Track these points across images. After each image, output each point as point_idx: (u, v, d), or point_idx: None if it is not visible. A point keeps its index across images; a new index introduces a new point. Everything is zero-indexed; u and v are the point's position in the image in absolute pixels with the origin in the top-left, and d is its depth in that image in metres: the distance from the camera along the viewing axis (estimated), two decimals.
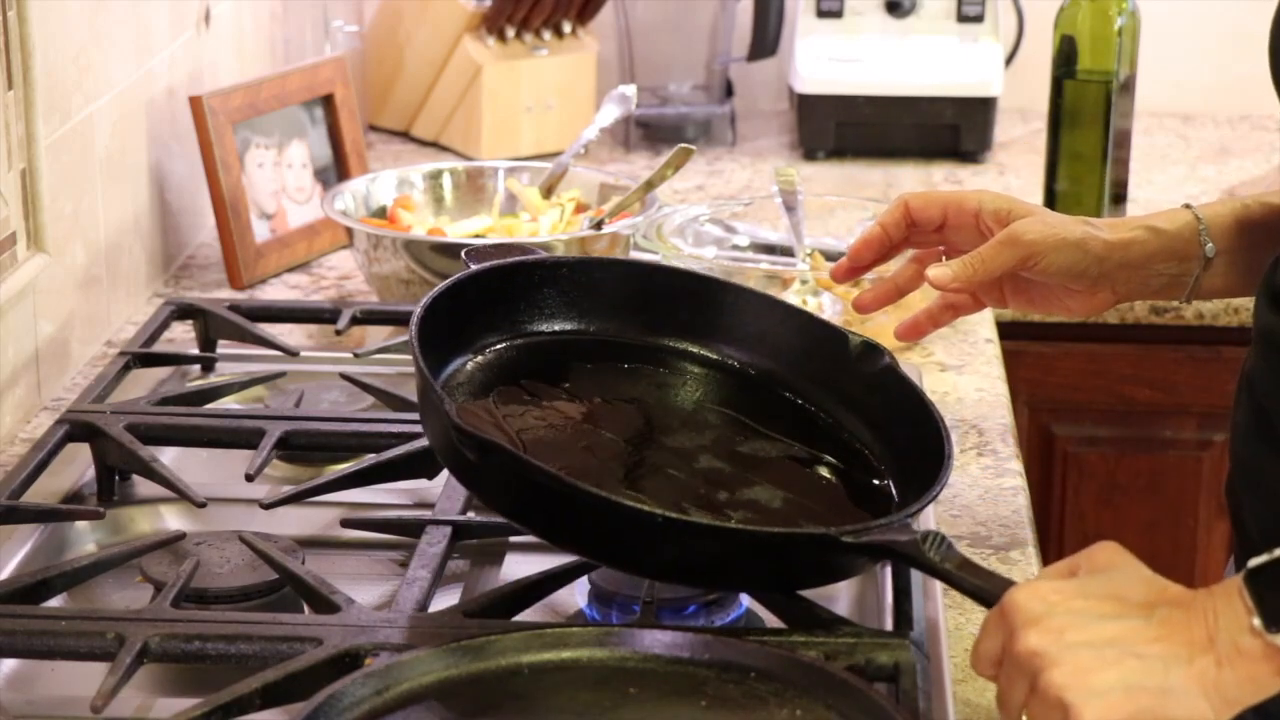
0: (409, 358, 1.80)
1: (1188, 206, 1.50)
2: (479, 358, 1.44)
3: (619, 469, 1.37)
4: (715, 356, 1.51)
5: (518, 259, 1.48)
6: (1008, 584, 1.19)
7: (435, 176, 2.15)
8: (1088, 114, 2.27)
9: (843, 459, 1.45)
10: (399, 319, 1.89)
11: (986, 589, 1.21)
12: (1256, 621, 1.09)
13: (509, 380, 1.43)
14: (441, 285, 1.40)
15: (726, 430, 1.45)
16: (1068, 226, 1.48)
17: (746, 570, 1.29)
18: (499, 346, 1.45)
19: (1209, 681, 1.10)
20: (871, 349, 1.48)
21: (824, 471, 1.43)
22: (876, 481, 1.42)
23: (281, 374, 1.78)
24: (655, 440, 1.42)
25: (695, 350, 1.51)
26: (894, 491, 1.41)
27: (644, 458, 1.40)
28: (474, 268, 1.45)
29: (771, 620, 1.34)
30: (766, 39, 2.66)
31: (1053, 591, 1.13)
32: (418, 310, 1.36)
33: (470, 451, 1.28)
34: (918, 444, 1.40)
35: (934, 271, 1.47)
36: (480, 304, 1.44)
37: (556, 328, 1.48)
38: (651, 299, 1.50)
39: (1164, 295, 1.51)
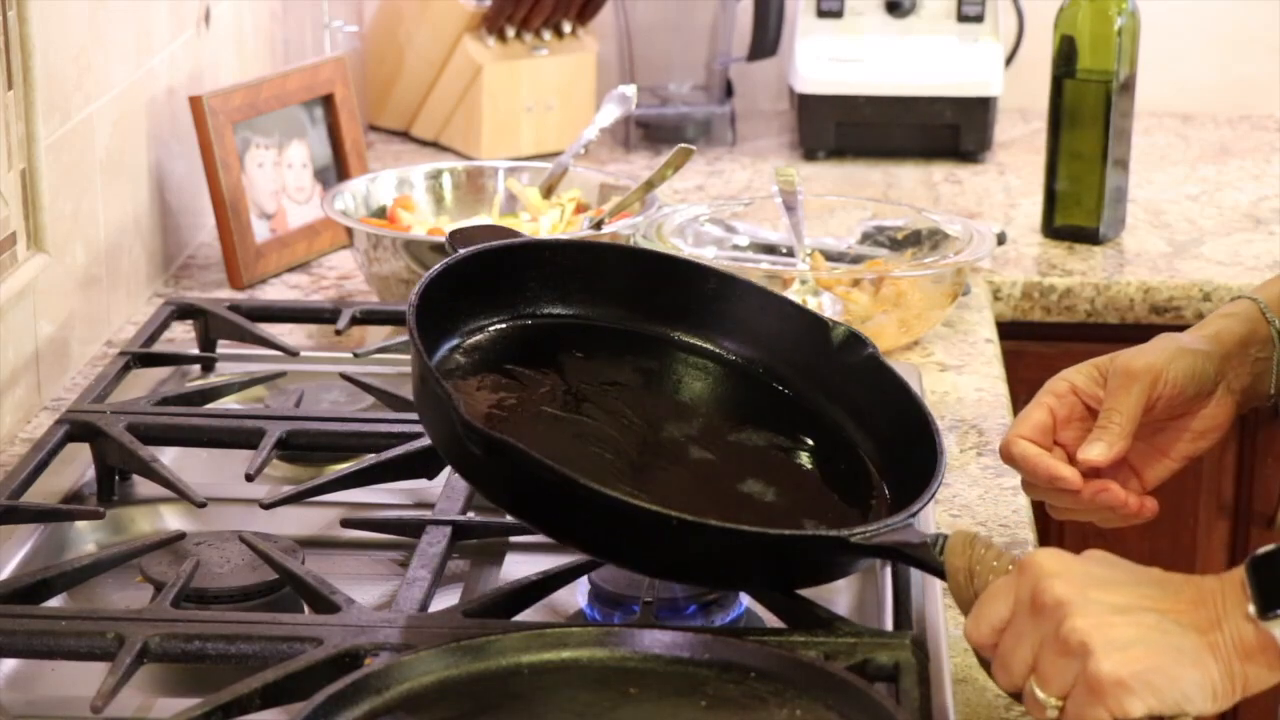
0: (409, 357, 1.80)
1: (1238, 297, 1.50)
2: (467, 341, 1.43)
3: (615, 464, 1.37)
4: (700, 344, 1.51)
5: (509, 242, 1.47)
6: None
7: (435, 176, 2.15)
8: (1088, 114, 2.27)
9: (826, 448, 1.45)
10: (399, 319, 1.88)
11: None
12: (1252, 608, 1.11)
13: (495, 365, 1.42)
14: (433, 270, 1.40)
15: (713, 420, 1.46)
16: (1162, 343, 1.46)
17: (750, 569, 1.29)
18: (489, 329, 1.45)
19: (1220, 654, 1.12)
20: (855, 338, 1.48)
21: (807, 462, 1.44)
22: (860, 470, 1.43)
23: (281, 374, 1.78)
24: (645, 431, 1.42)
25: (680, 338, 1.51)
26: (879, 480, 1.43)
27: (636, 451, 1.40)
28: (463, 251, 1.44)
29: (771, 620, 1.34)
30: (766, 39, 2.66)
31: (1070, 557, 1.16)
32: (413, 298, 1.35)
33: (477, 448, 1.28)
34: (903, 433, 1.41)
35: (1091, 452, 1.42)
36: (471, 288, 1.43)
37: (545, 311, 1.48)
38: (638, 285, 1.50)
39: (1266, 385, 1.48)
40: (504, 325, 1.46)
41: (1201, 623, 1.12)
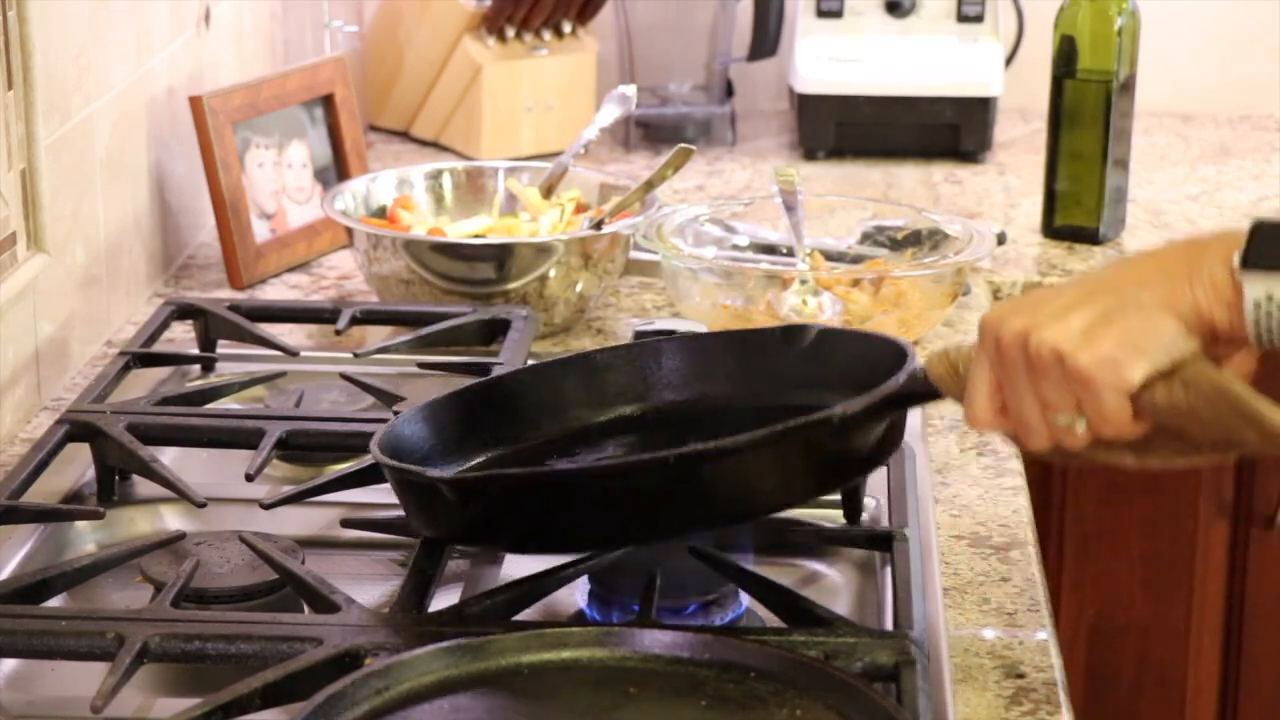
0: (409, 357, 1.81)
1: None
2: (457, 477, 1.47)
3: None
4: (664, 405, 1.53)
5: (459, 389, 1.51)
6: None
7: (435, 176, 2.15)
8: (1088, 114, 2.27)
9: (822, 424, 1.46)
10: (399, 319, 1.89)
11: None
12: (1237, 257, 1.12)
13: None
14: (386, 427, 1.44)
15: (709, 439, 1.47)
16: None
17: (760, 489, 1.30)
18: (477, 460, 1.48)
19: (1183, 301, 1.13)
20: (795, 329, 1.50)
21: (809, 436, 1.44)
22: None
23: (281, 374, 1.78)
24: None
25: (640, 411, 1.53)
26: None
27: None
28: (416, 408, 1.48)
29: (771, 620, 1.34)
30: (766, 39, 2.66)
31: (1016, 298, 1.19)
32: (376, 441, 1.40)
33: (453, 494, 1.30)
34: (882, 374, 1.41)
35: None
36: (437, 440, 1.47)
37: (519, 434, 1.51)
38: (589, 385, 1.53)
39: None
40: (481, 460, 1.49)
41: (1165, 275, 1.13)
